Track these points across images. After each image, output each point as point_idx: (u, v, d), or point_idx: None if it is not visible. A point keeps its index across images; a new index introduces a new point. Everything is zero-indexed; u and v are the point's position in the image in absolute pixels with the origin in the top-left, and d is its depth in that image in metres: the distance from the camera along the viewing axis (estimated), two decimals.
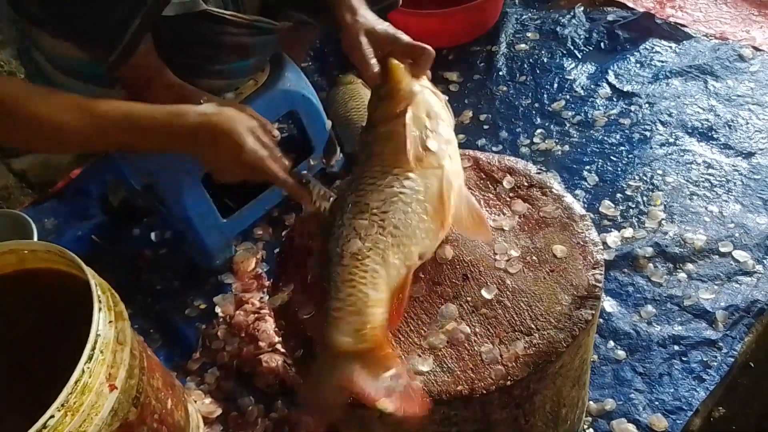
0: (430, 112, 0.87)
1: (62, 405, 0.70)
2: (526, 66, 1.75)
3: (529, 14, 1.91)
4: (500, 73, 1.75)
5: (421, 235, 0.78)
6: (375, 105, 0.90)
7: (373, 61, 0.93)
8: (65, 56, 1.06)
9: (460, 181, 0.84)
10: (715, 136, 1.48)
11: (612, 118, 1.57)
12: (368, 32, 0.96)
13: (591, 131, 1.55)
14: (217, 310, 1.31)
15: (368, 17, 0.98)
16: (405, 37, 0.96)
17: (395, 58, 0.92)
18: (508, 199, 0.90)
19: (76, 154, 1.04)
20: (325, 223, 0.83)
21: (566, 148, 1.52)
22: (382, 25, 0.97)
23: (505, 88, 1.70)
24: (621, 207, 1.37)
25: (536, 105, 1.64)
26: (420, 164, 0.81)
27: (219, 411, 1.15)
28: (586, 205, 1.39)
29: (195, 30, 1.09)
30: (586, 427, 1.06)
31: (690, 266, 1.24)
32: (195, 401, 1.14)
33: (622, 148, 1.50)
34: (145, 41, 1.04)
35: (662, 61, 1.68)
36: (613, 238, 1.31)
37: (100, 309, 0.77)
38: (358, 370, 0.70)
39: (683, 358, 1.13)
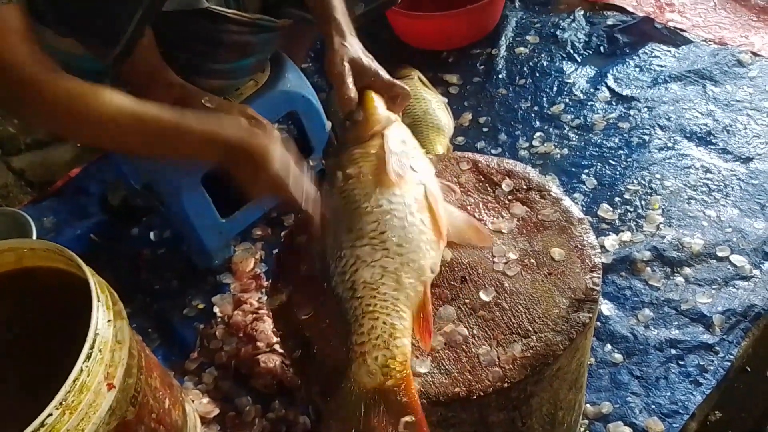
0: (405, 139, 0.89)
1: (60, 403, 0.70)
2: (525, 69, 1.76)
3: (529, 17, 1.92)
4: (500, 76, 1.75)
5: (425, 248, 0.77)
6: (348, 128, 0.92)
7: (351, 85, 0.95)
8: (68, 53, 1.07)
9: (441, 201, 0.84)
10: (713, 140, 1.48)
11: (611, 122, 1.57)
12: (352, 60, 0.97)
13: (590, 135, 1.55)
14: (216, 310, 1.31)
15: (355, 46, 1.00)
16: (386, 75, 0.98)
17: (375, 92, 0.95)
18: (506, 201, 0.91)
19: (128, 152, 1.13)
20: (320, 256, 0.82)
21: (565, 151, 1.53)
22: (367, 58, 0.99)
23: (504, 91, 1.71)
24: (619, 211, 1.38)
25: (535, 108, 1.65)
26: (401, 181, 0.81)
27: (216, 411, 1.15)
28: (584, 209, 1.39)
29: (196, 28, 1.10)
30: (582, 430, 1.07)
31: (687, 270, 1.25)
32: (193, 401, 1.14)
33: (621, 152, 1.50)
34: (146, 40, 1.04)
35: (661, 66, 1.69)
36: (611, 241, 1.31)
37: (98, 308, 0.77)
38: (381, 411, 0.68)
39: (680, 362, 1.13)
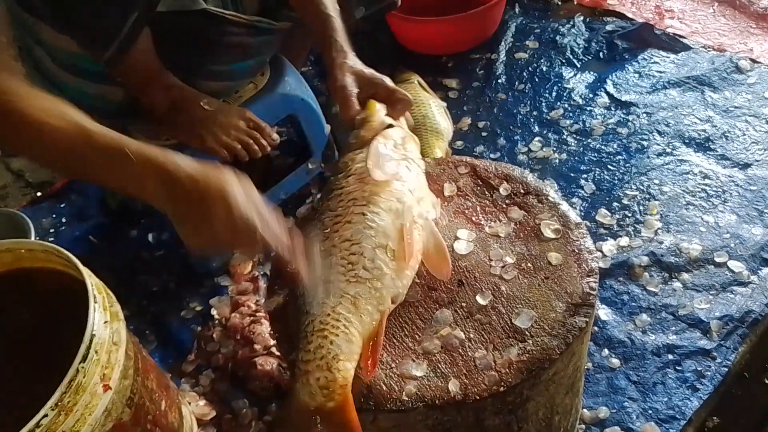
0: (399, 142, 0.89)
1: (56, 404, 0.69)
2: (525, 74, 1.76)
3: (529, 23, 1.92)
4: (499, 81, 1.75)
5: (391, 277, 0.76)
6: (350, 138, 0.92)
7: (355, 100, 0.96)
8: (66, 51, 1.07)
9: (428, 218, 0.84)
10: (711, 146, 1.49)
11: (610, 127, 1.58)
12: (355, 73, 0.98)
13: (588, 140, 1.56)
14: (213, 312, 1.31)
15: (356, 62, 1.01)
16: (389, 83, 0.99)
17: (380, 101, 0.96)
18: (504, 205, 0.91)
19: (49, 170, 0.95)
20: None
21: (564, 156, 1.53)
22: (369, 70, 1.00)
23: (503, 96, 1.71)
24: (617, 216, 1.38)
25: (534, 113, 1.65)
26: (384, 186, 0.81)
27: (213, 413, 1.15)
28: (582, 214, 1.40)
29: (194, 30, 1.10)
30: None
31: (685, 276, 1.25)
32: (189, 403, 1.14)
33: (620, 157, 1.50)
34: (144, 41, 1.04)
35: (660, 72, 1.69)
36: (609, 246, 1.31)
37: (95, 309, 0.77)
38: (322, 430, 0.68)
39: (677, 368, 1.13)
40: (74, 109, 0.78)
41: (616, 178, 1.46)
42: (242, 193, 0.74)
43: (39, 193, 1.69)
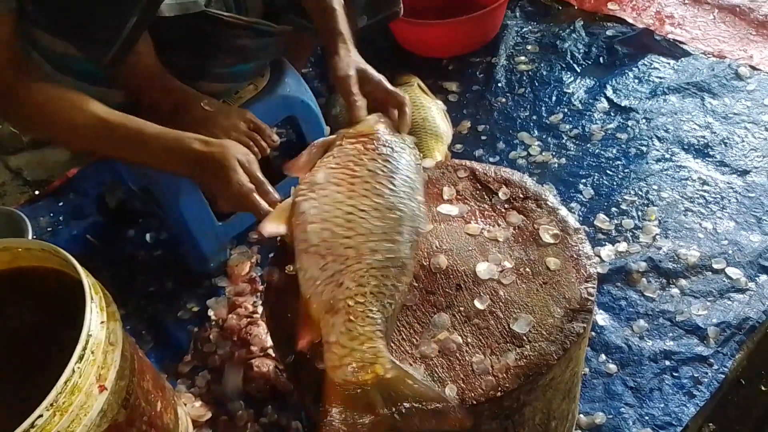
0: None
1: (51, 404, 0.69)
2: (525, 78, 1.76)
3: (530, 27, 1.92)
4: (499, 85, 1.75)
5: None
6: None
7: (356, 90, 0.98)
8: (63, 54, 1.06)
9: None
10: (710, 153, 1.49)
11: (609, 132, 1.58)
12: (358, 69, 1.01)
13: (588, 145, 1.56)
14: (210, 313, 1.31)
15: (358, 57, 1.04)
16: (386, 84, 1.01)
17: (375, 100, 0.99)
18: (503, 210, 0.91)
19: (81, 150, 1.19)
20: None
21: (563, 161, 1.53)
22: (369, 68, 1.03)
23: (503, 100, 1.71)
24: (616, 221, 1.38)
25: (534, 117, 1.65)
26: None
27: (209, 415, 1.15)
28: (581, 218, 1.40)
29: (194, 31, 1.10)
30: None
31: (683, 282, 1.25)
32: (185, 404, 1.14)
33: (619, 162, 1.50)
34: (144, 43, 1.04)
35: (660, 78, 1.69)
36: (607, 251, 1.31)
37: (92, 309, 0.77)
38: None
39: (674, 374, 1.13)
40: (94, 102, 0.97)
41: (614, 183, 1.46)
42: (235, 163, 0.93)
43: (37, 192, 1.68)
